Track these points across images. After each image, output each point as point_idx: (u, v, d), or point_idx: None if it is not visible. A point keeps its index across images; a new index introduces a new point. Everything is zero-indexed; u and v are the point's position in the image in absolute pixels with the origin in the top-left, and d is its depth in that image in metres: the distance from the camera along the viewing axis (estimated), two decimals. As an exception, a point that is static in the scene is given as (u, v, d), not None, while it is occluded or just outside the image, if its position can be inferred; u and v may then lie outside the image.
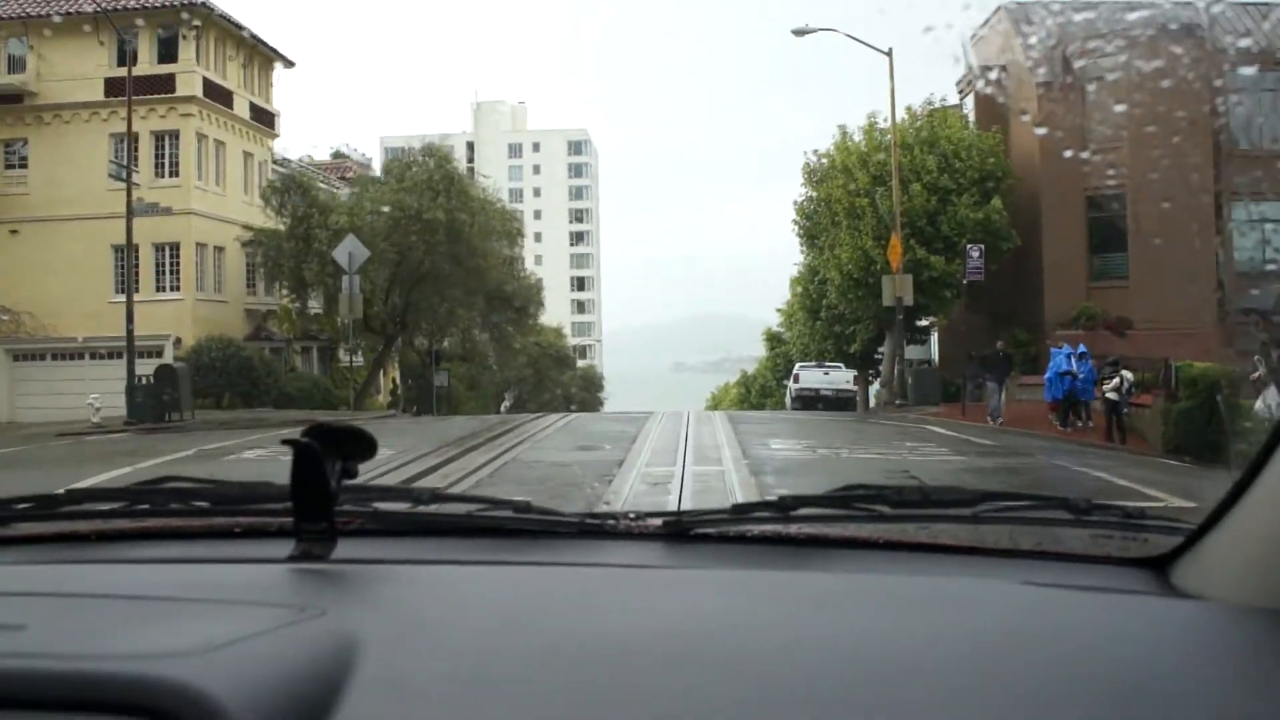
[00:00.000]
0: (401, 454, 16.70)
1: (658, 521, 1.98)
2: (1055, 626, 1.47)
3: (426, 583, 1.73)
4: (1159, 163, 33.79)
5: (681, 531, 1.95)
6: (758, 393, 62.43)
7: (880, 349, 42.72)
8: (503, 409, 61.40)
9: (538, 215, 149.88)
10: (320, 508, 1.75)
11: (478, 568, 1.81)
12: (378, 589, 1.67)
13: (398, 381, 53.07)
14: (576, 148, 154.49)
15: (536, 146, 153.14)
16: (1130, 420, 25.38)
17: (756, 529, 1.97)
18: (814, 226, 38.27)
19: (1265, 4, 36.90)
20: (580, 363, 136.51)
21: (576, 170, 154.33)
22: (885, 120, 35.91)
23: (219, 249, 39.57)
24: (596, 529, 2.00)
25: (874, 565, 1.83)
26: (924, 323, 41.71)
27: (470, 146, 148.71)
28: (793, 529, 1.96)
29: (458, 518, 2.04)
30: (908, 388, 33.65)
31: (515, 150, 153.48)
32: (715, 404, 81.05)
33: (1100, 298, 33.56)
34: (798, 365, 38.82)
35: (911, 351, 42.00)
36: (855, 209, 34.56)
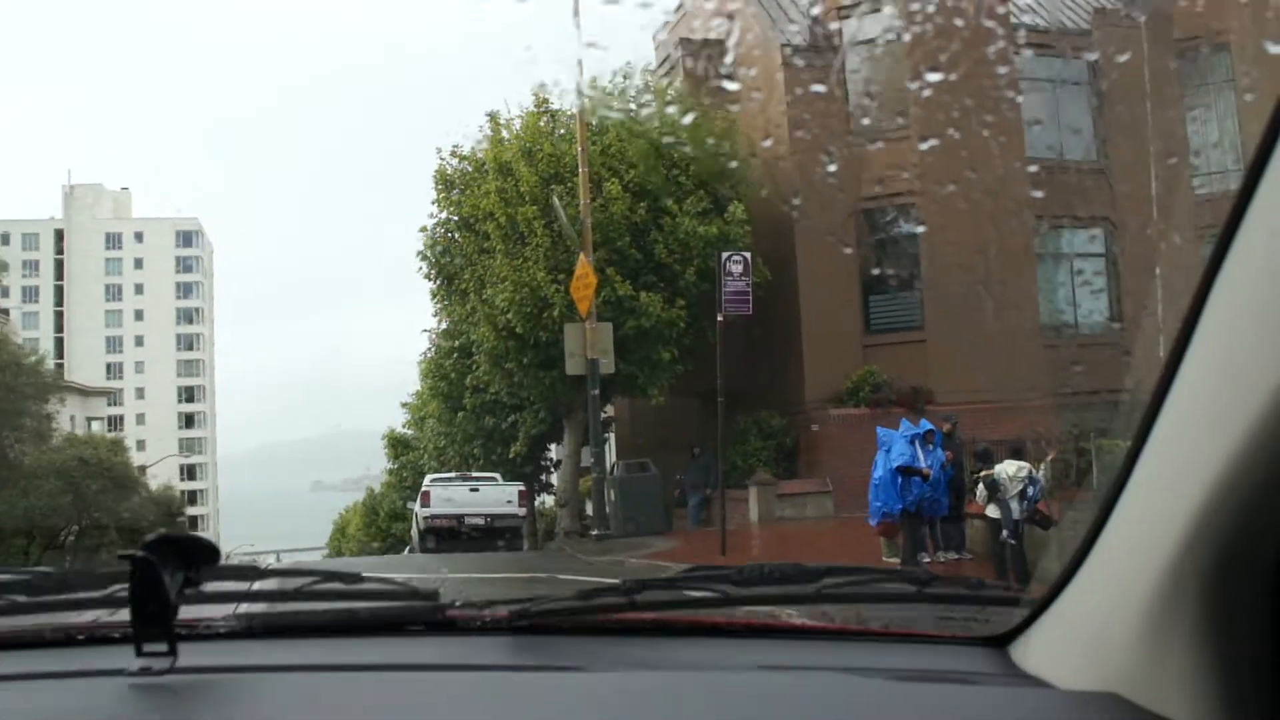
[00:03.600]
0: None
1: (506, 614, 1.97)
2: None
3: (270, 693, 1.68)
4: (961, 162, 23.09)
5: (529, 624, 1.95)
6: (387, 516, 47.83)
7: (551, 450, 29.73)
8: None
9: (139, 315, 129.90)
10: (160, 618, 1.64)
11: (321, 674, 1.78)
12: (218, 704, 1.62)
13: None
14: (186, 239, 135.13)
15: (140, 236, 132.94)
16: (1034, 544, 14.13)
17: (605, 617, 2.00)
18: (452, 264, 24.94)
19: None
20: (193, 485, 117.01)
21: (186, 265, 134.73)
22: (562, 94, 23.46)
23: None
24: (446, 622, 1.99)
25: (720, 654, 1.88)
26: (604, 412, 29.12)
27: (59, 235, 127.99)
28: (641, 615, 1.98)
29: (305, 615, 2.03)
30: (610, 507, 20.64)
31: (114, 240, 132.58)
32: (341, 530, 66.53)
33: (885, 358, 22.09)
34: (428, 479, 25.13)
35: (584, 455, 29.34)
36: (518, 225, 21.63)
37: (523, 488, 24.00)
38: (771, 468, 22.04)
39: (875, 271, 23.01)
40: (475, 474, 25.16)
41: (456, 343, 27.17)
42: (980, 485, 14.70)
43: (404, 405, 37.74)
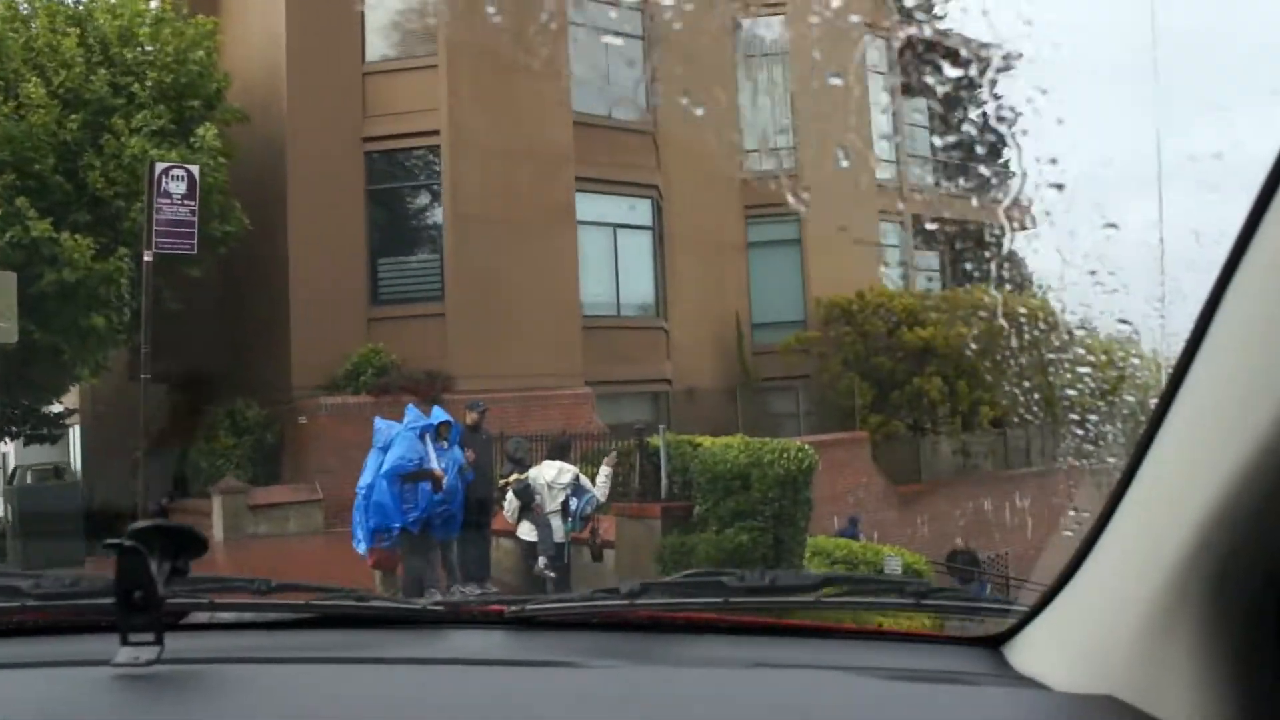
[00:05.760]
0: None
1: (502, 609, 2.02)
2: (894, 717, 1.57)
3: (260, 684, 1.70)
4: (496, 106, 20.11)
5: (526, 619, 2.00)
6: None
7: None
8: None
9: None
10: (147, 608, 1.66)
11: (312, 666, 1.81)
12: (207, 695, 1.63)
13: None
14: None
15: None
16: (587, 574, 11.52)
17: (600, 614, 2.04)
18: None
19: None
20: None
21: None
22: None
23: None
24: (439, 617, 2.04)
25: (716, 652, 1.93)
26: (59, 407, 23.58)
27: None
28: (637, 613, 2.01)
29: (294, 607, 2.04)
30: (9, 529, 15.66)
31: None
32: None
33: (395, 335, 18.66)
34: None
35: (32, 455, 23.61)
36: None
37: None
38: (248, 471, 18.00)
39: (386, 229, 19.50)
40: None
41: None
42: (509, 495, 11.66)
43: None
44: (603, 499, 11.35)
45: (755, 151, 26.09)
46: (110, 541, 1.65)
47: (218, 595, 1.99)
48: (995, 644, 1.82)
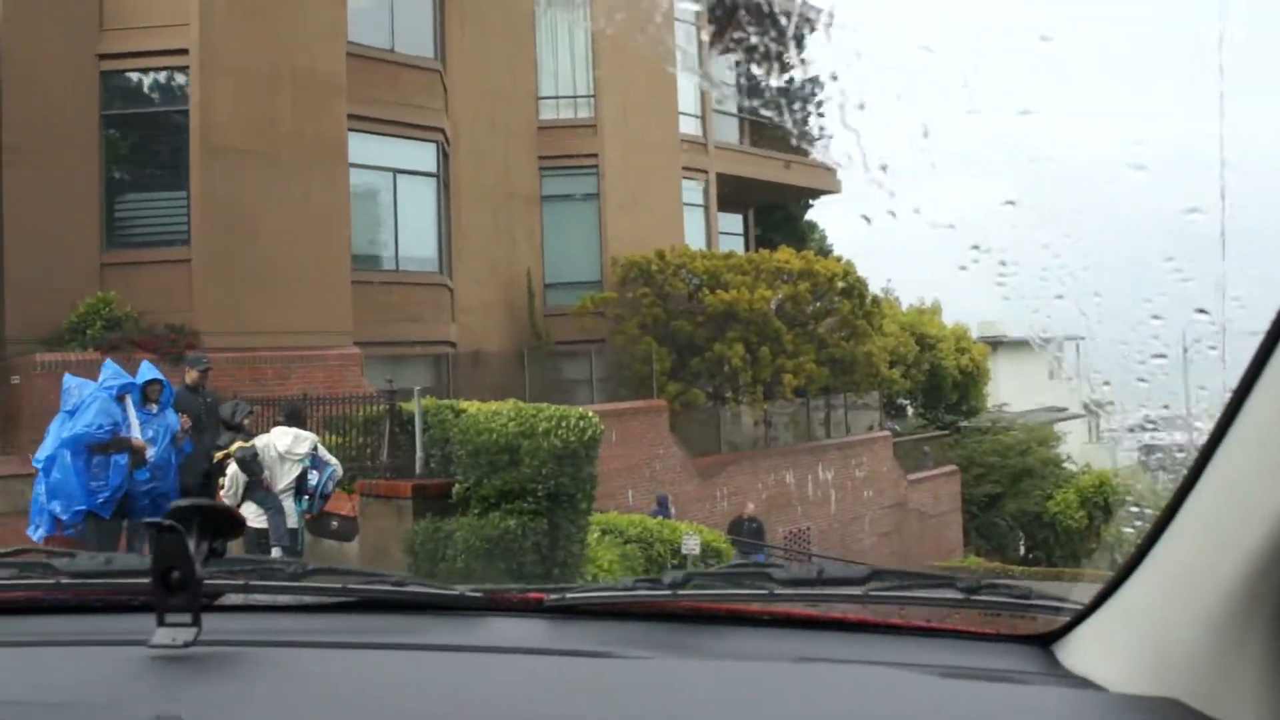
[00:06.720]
0: None
1: (541, 597, 1.99)
2: (943, 716, 1.49)
3: (296, 668, 1.68)
4: (255, 24, 17.91)
5: (565, 607, 1.97)
6: None
7: None
8: None
9: None
10: (184, 588, 1.65)
11: (348, 650, 1.77)
12: (244, 678, 1.61)
13: None
14: None
15: None
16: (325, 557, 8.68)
17: (641, 604, 2.00)
18: None
19: None
20: None
21: None
22: None
23: None
24: (477, 604, 2.00)
25: (760, 645, 1.88)
26: None
27: None
28: (678, 603, 1.96)
29: (331, 591, 2.02)
30: None
31: None
32: None
33: (132, 282, 16.39)
34: None
35: None
36: None
37: None
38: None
39: (124, 160, 17.12)
40: None
41: None
42: (231, 468, 9.78)
43: None
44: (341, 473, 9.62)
45: (552, 98, 24.40)
46: (149, 520, 1.62)
47: (253, 577, 1.94)
48: (1046, 642, 1.78)
